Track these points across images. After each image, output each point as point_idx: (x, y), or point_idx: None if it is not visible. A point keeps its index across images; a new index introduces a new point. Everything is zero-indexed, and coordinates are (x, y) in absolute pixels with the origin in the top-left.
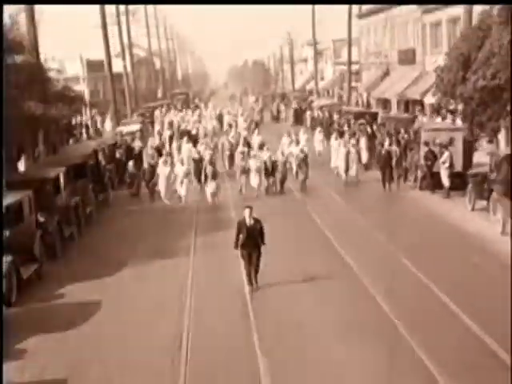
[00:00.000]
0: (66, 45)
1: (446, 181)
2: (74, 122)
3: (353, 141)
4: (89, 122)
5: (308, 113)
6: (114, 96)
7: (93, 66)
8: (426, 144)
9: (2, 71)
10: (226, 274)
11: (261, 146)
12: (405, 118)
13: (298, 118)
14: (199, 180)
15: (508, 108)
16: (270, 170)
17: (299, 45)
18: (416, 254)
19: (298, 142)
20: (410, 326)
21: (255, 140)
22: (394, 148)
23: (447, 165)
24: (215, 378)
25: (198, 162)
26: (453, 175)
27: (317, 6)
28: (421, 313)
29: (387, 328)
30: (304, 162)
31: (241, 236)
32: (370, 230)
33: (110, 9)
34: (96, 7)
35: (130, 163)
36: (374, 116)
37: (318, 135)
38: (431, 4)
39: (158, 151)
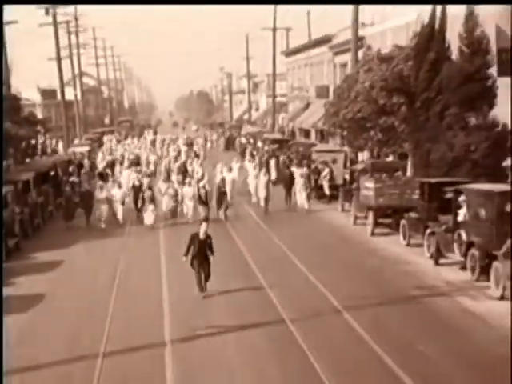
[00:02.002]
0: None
1: (326, 191)
2: (34, 141)
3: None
4: (47, 142)
5: (237, 139)
6: (66, 122)
7: (46, 94)
8: (313, 162)
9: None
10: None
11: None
12: (307, 143)
13: (229, 144)
14: (136, 204)
15: (372, 134)
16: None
17: (239, 77)
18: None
19: (230, 170)
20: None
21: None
22: (297, 169)
23: (327, 178)
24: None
25: (137, 188)
26: (332, 187)
27: (253, 42)
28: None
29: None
30: (223, 193)
31: (192, 248)
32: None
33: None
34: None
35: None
36: (287, 142)
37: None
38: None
39: (100, 176)
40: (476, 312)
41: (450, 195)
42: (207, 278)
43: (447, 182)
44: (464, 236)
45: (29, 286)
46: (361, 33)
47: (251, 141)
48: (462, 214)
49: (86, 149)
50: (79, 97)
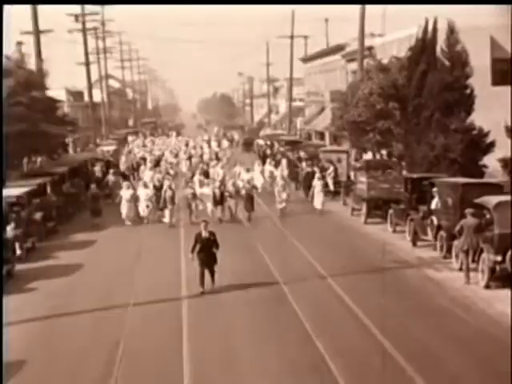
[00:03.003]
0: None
1: (331, 187)
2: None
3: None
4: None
5: (256, 141)
6: (93, 122)
7: (73, 96)
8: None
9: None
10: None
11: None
12: (316, 145)
13: (248, 146)
14: (158, 204)
15: (371, 136)
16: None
17: (260, 81)
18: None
19: (248, 171)
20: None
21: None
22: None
23: (332, 175)
24: None
25: (158, 188)
26: (336, 183)
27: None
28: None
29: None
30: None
31: (197, 245)
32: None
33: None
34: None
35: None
36: (299, 143)
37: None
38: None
39: (123, 176)
40: (435, 279)
41: (426, 188)
42: (212, 274)
43: (426, 177)
44: (435, 221)
45: (69, 258)
46: (371, 43)
47: (268, 143)
48: (434, 202)
49: (112, 148)
50: (105, 99)
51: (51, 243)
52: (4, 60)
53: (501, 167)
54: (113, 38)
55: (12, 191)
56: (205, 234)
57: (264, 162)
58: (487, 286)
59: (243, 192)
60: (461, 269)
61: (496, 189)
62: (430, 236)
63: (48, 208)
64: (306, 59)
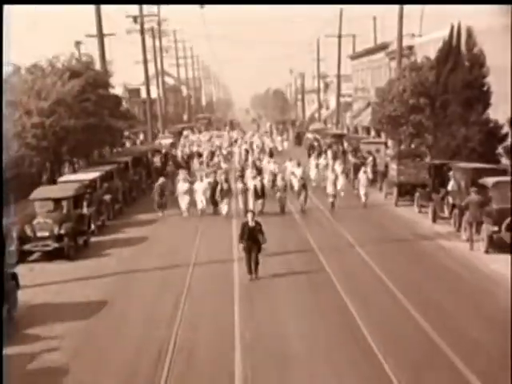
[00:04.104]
0: None
1: (370, 175)
2: (127, 133)
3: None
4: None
5: (306, 135)
6: (151, 118)
7: (131, 92)
8: (359, 151)
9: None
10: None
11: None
12: (357, 137)
13: (299, 139)
14: (213, 197)
15: (404, 128)
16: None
17: (312, 77)
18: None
19: (299, 165)
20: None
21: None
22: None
23: (371, 164)
24: None
25: (214, 184)
26: (375, 172)
27: (326, 46)
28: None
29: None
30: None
31: (244, 234)
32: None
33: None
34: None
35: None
36: (342, 136)
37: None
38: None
39: (180, 167)
40: (446, 247)
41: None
42: (256, 264)
43: (445, 163)
44: (450, 200)
45: (135, 233)
46: (411, 42)
47: (317, 136)
48: (451, 185)
49: (170, 141)
50: (161, 95)
51: (118, 221)
52: (73, 62)
53: (503, 153)
54: (168, 37)
55: (86, 175)
56: (251, 223)
57: (309, 155)
58: (486, 252)
59: (296, 186)
60: (468, 240)
61: (500, 173)
62: (446, 213)
63: (115, 191)
64: (354, 57)
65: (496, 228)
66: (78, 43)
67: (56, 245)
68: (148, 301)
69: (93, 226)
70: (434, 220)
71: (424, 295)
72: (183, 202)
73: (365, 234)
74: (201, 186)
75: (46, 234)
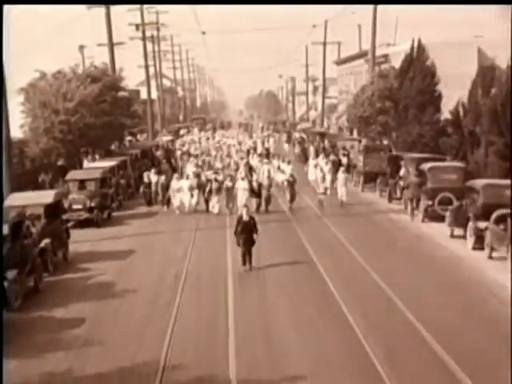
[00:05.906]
0: None
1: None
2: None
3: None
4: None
5: (293, 134)
6: (151, 118)
7: (131, 93)
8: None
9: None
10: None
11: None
12: (335, 135)
13: (290, 138)
14: (204, 195)
15: (373, 127)
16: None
17: (302, 80)
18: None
19: (289, 162)
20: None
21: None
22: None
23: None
24: None
25: (205, 182)
26: (349, 165)
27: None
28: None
29: None
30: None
31: (239, 227)
32: None
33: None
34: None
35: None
36: (323, 134)
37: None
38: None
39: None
40: (393, 218)
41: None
42: (250, 256)
43: (400, 154)
44: (401, 184)
45: (145, 210)
46: (386, 51)
47: (303, 135)
48: (402, 171)
49: (169, 138)
50: (160, 96)
51: (131, 202)
52: (92, 69)
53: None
54: (166, 41)
55: (105, 163)
56: (245, 217)
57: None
58: (423, 221)
59: (285, 184)
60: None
61: (440, 160)
62: (398, 195)
63: (128, 178)
64: (339, 62)
65: (430, 202)
66: (81, 47)
67: (87, 215)
68: (165, 250)
69: (114, 204)
70: (390, 200)
71: (368, 247)
72: (176, 199)
73: (333, 211)
74: (187, 184)
75: (80, 206)
